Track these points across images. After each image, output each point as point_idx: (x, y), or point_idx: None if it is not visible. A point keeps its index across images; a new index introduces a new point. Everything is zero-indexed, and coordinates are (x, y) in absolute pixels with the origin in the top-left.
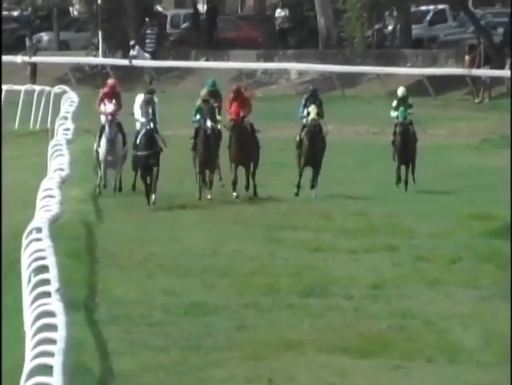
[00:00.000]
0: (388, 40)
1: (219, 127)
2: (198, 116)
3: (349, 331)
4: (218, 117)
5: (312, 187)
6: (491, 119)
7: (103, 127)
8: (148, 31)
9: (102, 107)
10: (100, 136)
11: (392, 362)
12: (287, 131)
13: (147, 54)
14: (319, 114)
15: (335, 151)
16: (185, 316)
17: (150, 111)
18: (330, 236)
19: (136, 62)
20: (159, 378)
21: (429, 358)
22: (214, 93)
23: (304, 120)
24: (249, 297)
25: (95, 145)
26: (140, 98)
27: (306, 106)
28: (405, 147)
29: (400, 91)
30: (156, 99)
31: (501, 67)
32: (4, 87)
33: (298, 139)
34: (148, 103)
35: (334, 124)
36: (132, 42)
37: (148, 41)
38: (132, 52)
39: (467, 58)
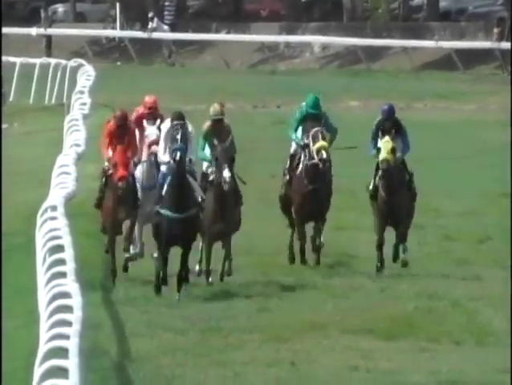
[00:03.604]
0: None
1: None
2: (207, 153)
3: (374, 312)
4: (323, 154)
5: (395, 257)
6: None
7: (133, 166)
8: (167, 3)
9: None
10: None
11: (418, 345)
12: None
13: (166, 27)
14: (395, 150)
15: (360, 128)
16: (205, 297)
17: (178, 136)
18: (354, 214)
19: (155, 35)
20: (177, 360)
21: (457, 340)
22: (316, 118)
23: (377, 158)
24: (271, 277)
25: None
26: (166, 126)
27: (377, 135)
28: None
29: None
30: (189, 127)
31: None
32: (18, 60)
33: (371, 186)
34: (177, 131)
35: (359, 99)
36: (150, 14)
37: (166, 13)
38: (151, 24)
39: (496, 31)
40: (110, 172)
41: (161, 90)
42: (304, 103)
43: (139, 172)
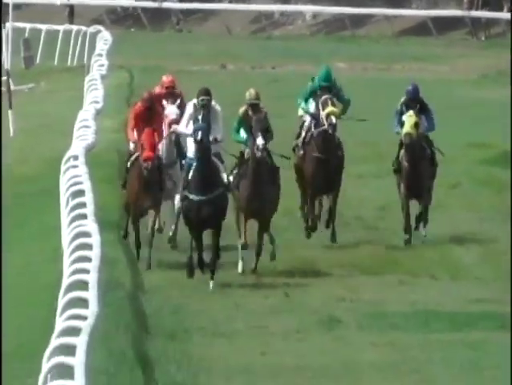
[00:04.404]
0: None
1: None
2: (243, 133)
3: (359, 250)
4: (332, 119)
5: (417, 226)
6: (488, 57)
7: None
8: None
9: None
10: None
11: (398, 279)
12: (303, 67)
13: None
14: (418, 124)
15: (345, 86)
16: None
17: (200, 117)
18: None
19: (165, 5)
20: (184, 292)
21: (432, 274)
22: (328, 90)
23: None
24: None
25: None
26: (191, 104)
27: (402, 114)
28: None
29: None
30: (217, 106)
31: (500, 9)
32: (44, 27)
33: (395, 158)
34: (199, 110)
35: (345, 62)
36: None
37: None
38: None
39: (465, 0)
40: (136, 154)
41: (170, 53)
42: (315, 77)
43: (159, 150)
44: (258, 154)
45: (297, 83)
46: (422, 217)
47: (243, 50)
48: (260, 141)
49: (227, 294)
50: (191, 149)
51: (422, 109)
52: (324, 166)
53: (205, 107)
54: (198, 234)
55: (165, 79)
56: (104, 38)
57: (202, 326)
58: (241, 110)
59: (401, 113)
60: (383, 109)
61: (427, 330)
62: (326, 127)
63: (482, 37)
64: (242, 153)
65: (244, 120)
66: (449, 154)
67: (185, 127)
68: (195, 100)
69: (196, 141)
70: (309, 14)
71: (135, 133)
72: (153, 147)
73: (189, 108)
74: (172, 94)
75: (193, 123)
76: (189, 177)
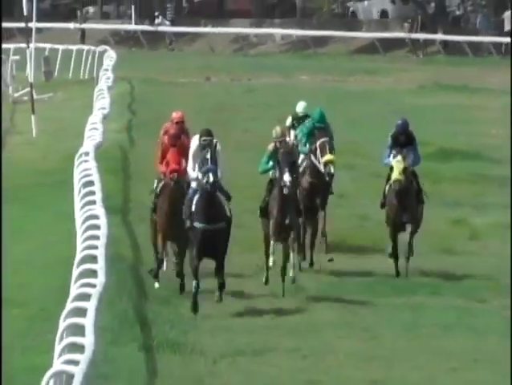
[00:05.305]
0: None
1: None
2: (270, 163)
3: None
4: (330, 168)
5: (408, 258)
6: (426, 71)
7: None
8: (168, 5)
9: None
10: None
11: (352, 254)
12: (273, 79)
13: (168, 22)
14: (406, 169)
15: (308, 95)
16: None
17: (208, 156)
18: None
19: (160, 28)
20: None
21: (381, 249)
22: (322, 131)
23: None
24: (246, 204)
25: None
26: (194, 142)
27: (392, 148)
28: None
29: (300, 106)
30: (218, 145)
31: (434, 32)
32: (61, 47)
33: (382, 195)
34: (205, 148)
35: (307, 75)
36: (156, 13)
37: (168, 12)
38: (157, 20)
39: (406, 25)
40: (164, 181)
41: (164, 68)
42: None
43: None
44: (286, 191)
45: (269, 92)
46: (409, 249)
47: (224, 66)
48: (287, 178)
49: (212, 265)
50: (194, 175)
51: (409, 143)
52: (315, 189)
53: (208, 147)
54: (197, 262)
55: (175, 114)
56: (110, 56)
57: (191, 291)
58: (270, 147)
59: (391, 146)
60: (340, 114)
61: (375, 295)
62: (322, 170)
63: (420, 55)
64: (271, 180)
65: (273, 156)
66: None
67: (192, 164)
68: (196, 140)
69: (207, 182)
70: (278, 36)
71: (164, 166)
72: (179, 163)
73: (193, 146)
74: (181, 128)
75: (202, 162)
76: (193, 208)
